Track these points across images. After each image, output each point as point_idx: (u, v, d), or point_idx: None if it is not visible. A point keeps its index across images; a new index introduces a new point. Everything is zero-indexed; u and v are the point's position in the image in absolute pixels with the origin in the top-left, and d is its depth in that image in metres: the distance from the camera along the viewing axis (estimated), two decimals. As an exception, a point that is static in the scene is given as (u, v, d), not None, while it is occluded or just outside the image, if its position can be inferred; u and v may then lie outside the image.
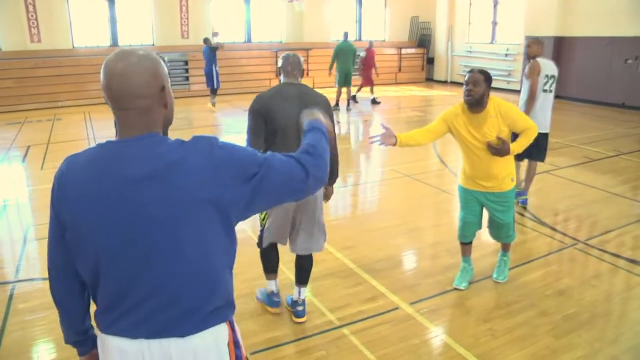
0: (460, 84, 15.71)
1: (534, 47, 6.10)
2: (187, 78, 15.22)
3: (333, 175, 3.47)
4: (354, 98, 13.62)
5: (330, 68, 12.60)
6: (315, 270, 4.10)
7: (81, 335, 1.69)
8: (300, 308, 3.60)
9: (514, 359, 3.18)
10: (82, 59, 13.85)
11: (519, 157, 5.13)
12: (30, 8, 13.13)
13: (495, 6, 16.57)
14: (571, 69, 14.07)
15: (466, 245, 4.13)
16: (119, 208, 1.39)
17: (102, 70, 1.46)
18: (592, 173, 7.38)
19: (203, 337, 1.50)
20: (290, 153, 1.57)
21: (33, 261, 4.66)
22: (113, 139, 1.50)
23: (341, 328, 3.51)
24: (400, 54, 18.53)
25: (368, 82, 13.66)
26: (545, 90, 5.94)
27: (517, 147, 3.58)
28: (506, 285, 4.08)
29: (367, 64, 13.39)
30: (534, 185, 6.46)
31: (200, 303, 1.49)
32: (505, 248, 4.18)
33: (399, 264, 4.54)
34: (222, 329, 1.56)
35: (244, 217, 1.53)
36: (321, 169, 1.58)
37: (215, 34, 13.42)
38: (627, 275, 4.32)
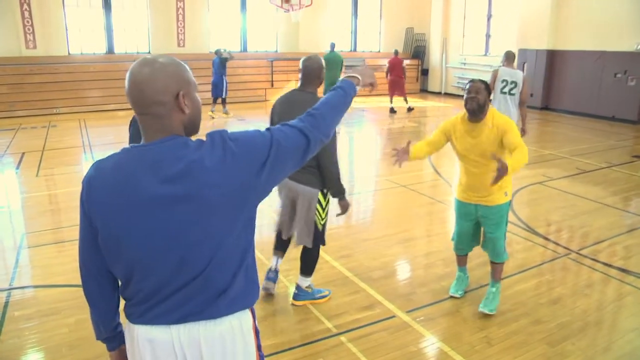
0: (455, 96, 15.87)
1: (502, 58, 7.71)
2: (182, 86, 15.22)
3: (334, 190, 3.62)
4: (409, 109, 14.23)
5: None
6: (312, 278, 4.14)
7: (111, 331, 1.76)
8: (295, 292, 3.96)
9: (509, 366, 3.22)
10: (77, 65, 13.86)
11: None
12: (26, 14, 13.11)
13: (489, 19, 16.78)
14: (563, 82, 14.27)
15: (461, 256, 4.16)
16: (149, 211, 1.47)
17: (126, 75, 1.55)
18: (584, 184, 7.47)
19: (230, 322, 1.60)
20: (294, 121, 1.69)
21: (27, 269, 4.65)
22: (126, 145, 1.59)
23: (339, 335, 3.54)
24: (395, 65, 18.65)
25: (402, 91, 14.06)
26: (504, 93, 7.48)
27: (515, 163, 3.32)
28: (501, 294, 4.11)
29: (399, 73, 13.80)
30: (527, 195, 6.54)
31: (230, 285, 1.59)
32: (494, 276, 3.95)
33: (395, 273, 4.58)
34: (246, 315, 1.66)
35: (263, 196, 1.63)
36: (321, 129, 1.71)
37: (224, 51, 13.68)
38: (618, 284, 4.38)
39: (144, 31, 15.06)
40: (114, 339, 1.78)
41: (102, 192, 1.51)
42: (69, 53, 14.06)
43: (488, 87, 3.62)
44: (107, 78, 13.97)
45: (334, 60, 12.61)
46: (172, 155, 1.49)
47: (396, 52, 14.17)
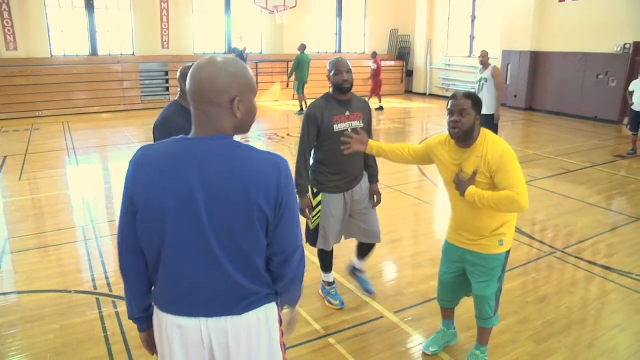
0: (439, 97, 15.93)
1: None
2: (167, 88, 15.15)
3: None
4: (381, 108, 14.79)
5: (290, 77, 14.16)
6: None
7: (142, 312, 1.81)
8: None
9: (496, 365, 3.24)
10: (60, 67, 13.68)
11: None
12: (5, 14, 12.88)
13: (472, 20, 16.90)
14: (546, 83, 14.44)
15: (445, 309, 3.38)
16: (187, 199, 1.55)
17: (189, 72, 1.61)
18: (568, 184, 7.56)
19: (257, 314, 1.68)
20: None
21: (10, 274, 4.56)
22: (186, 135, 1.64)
23: (327, 337, 3.54)
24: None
25: (378, 90, 14.75)
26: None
27: (486, 196, 2.71)
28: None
29: (378, 73, 14.56)
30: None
31: (255, 287, 1.66)
32: (479, 339, 3.22)
33: (382, 274, 4.59)
34: (272, 307, 1.74)
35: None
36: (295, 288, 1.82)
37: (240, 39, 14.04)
38: (602, 281, 4.44)
39: (127, 32, 14.92)
40: (145, 320, 1.83)
41: (147, 173, 1.59)
42: (51, 54, 13.87)
43: (478, 103, 2.83)
44: (91, 80, 13.83)
45: (306, 61, 13.75)
46: (218, 153, 1.57)
47: (375, 54, 14.76)
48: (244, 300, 1.66)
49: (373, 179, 3.81)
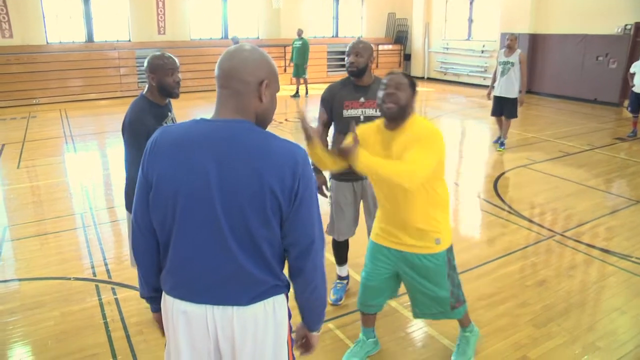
0: (438, 80, 15.81)
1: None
2: (164, 75, 15.04)
3: None
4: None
5: (307, 63, 14.02)
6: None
7: (154, 292, 1.81)
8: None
9: (496, 349, 3.26)
10: (56, 55, 13.59)
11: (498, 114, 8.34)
12: (0, 2, 12.79)
13: (471, 3, 16.76)
14: (546, 66, 14.35)
15: (367, 316, 3.13)
16: (201, 181, 1.53)
17: (218, 62, 1.63)
18: (568, 167, 7.54)
19: (264, 305, 1.65)
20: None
21: (10, 262, 4.57)
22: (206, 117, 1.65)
23: (326, 322, 3.55)
24: (378, 50, 18.60)
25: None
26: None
27: (371, 162, 2.30)
28: (487, 278, 4.16)
29: None
30: (511, 179, 6.60)
31: (265, 277, 1.63)
32: (461, 324, 3.12)
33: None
34: (281, 299, 1.71)
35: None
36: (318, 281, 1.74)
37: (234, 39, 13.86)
38: (601, 264, 4.44)
39: (123, 19, 14.79)
40: (156, 300, 1.82)
41: (164, 150, 1.59)
42: (47, 42, 13.77)
43: (413, 84, 2.60)
44: (88, 67, 13.75)
45: (305, 47, 13.62)
46: (236, 137, 1.55)
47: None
48: (252, 290, 1.62)
49: None
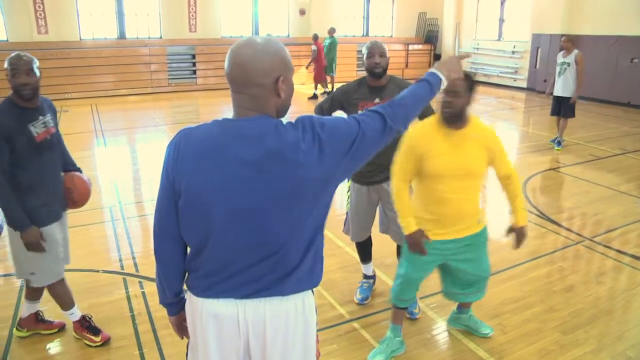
0: (467, 81, 15.39)
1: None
2: (194, 72, 15.23)
3: None
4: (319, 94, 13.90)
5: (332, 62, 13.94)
6: (325, 264, 4.10)
7: (174, 297, 1.81)
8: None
9: (523, 354, 3.21)
10: (89, 51, 13.86)
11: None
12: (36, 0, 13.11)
13: (502, 3, 16.53)
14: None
15: (400, 310, 3.22)
16: (234, 181, 1.51)
17: (227, 55, 1.56)
18: (598, 171, 7.39)
19: (295, 301, 1.66)
20: (380, 106, 1.71)
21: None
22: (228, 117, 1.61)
23: (352, 322, 3.55)
24: (408, 50, 18.51)
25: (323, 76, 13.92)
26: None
27: (524, 211, 3.08)
28: (514, 281, 4.11)
29: (320, 57, 13.70)
30: (540, 182, 6.50)
31: (300, 265, 1.63)
32: (466, 306, 3.38)
33: (407, 259, 4.56)
34: (309, 295, 1.72)
35: (342, 180, 1.66)
36: (398, 119, 1.70)
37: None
38: (631, 271, 4.35)
39: (155, 16, 14.99)
40: (176, 305, 1.83)
41: (191, 156, 1.55)
42: (80, 38, 14.05)
43: (473, 83, 2.80)
44: (119, 63, 13.99)
45: (332, 46, 13.57)
46: (263, 132, 1.52)
47: (316, 37, 13.74)
48: (286, 285, 1.62)
49: None
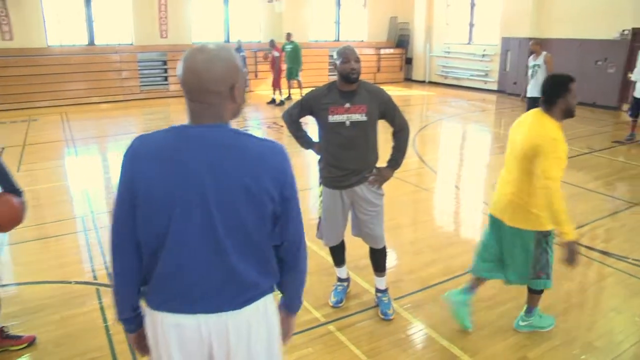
0: (438, 84, 15.79)
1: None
2: (165, 78, 15.11)
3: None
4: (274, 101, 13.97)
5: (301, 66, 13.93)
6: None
7: (133, 311, 1.76)
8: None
9: (496, 350, 3.27)
10: (57, 57, 13.61)
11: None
12: (0, 4, 12.79)
13: (472, 8, 16.80)
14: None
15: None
16: (191, 189, 1.52)
17: (180, 64, 1.56)
18: (567, 170, 7.41)
19: (256, 308, 1.65)
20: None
21: (10, 266, 4.59)
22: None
23: (327, 325, 3.56)
24: (379, 54, 18.66)
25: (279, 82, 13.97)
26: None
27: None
28: (487, 280, 4.16)
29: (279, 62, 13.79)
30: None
31: (258, 278, 1.64)
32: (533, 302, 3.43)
33: (382, 261, 4.60)
34: (270, 300, 1.72)
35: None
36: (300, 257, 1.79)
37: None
38: (599, 266, 4.46)
39: (125, 22, 14.81)
40: (133, 320, 1.78)
41: (149, 165, 1.54)
42: (47, 45, 13.79)
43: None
44: (89, 70, 13.77)
45: (296, 50, 13.56)
46: (223, 141, 1.55)
47: (274, 42, 13.90)
48: (246, 294, 1.63)
49: (390, 163, 3.51)
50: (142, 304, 1.73)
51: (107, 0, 14.51)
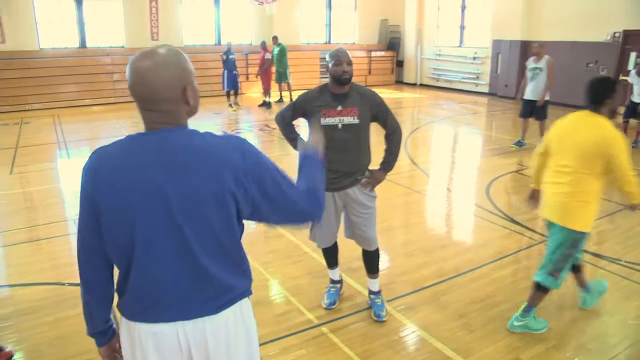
0: (429, 87, 15.85)
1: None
2: (157, 81, 15.04)
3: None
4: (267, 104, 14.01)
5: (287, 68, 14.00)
6: (292, 270, 4.18)
7: (104, 324, 1.74)
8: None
9: (489, 352, 3.29)
10: (49, 60, 13.57)
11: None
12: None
13: (462, 11, 16.88)
14: (536, 72, 14.44)
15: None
16: (153, 196, 1.49)
17: (128, 71, 1.52)
18: (558, 172, 7.57)
19: (233, 311, 1.64)
20: (299, 186, 1.71)
21: (2, 268, 4.58)
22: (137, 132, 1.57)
23: (320, 326, 3.57)
24: (370, 56, 18.71)
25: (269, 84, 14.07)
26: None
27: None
28: (480, 281, 4.20)
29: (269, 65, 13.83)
30: (503, 184, 6.63)
31: (232, 281, 1.63)
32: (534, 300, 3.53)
33: (375, 263, 4.61)
34: (246, 303, 1.71)
35: (249, 218, 1.64)
36: (318, 207, 1.73)
37: None
38: (592, 268, 4.48)
39: (116, 25, 14.77)
40: (105, 333, 1.76)
41: (108, 177, 1.52)
42: (39, 47, 13.73)
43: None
44: (81, 73, 13.74)
45: (283, 53, 13.61)
46: (180, 143, 1.52)
47: (265, 44, 13.84)
48: (221, 298, 1.61)
49: (382, 165, 3.54)
50: (116, 314, 1.70)
51: (98, 3, 14.46)
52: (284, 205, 1.64)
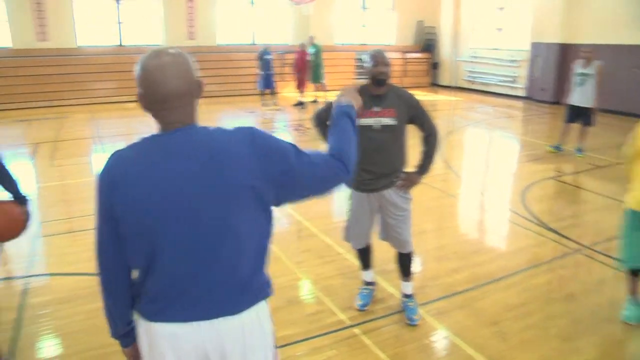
0: (465, 89, 15.67)
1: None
2: (192, 79, 15.27)
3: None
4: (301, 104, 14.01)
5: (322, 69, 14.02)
6: (324, 270, 4.17)
7: (127, 326, 1.75)
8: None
9: (523, 361, 3.22)
10: (86, 58, 13.96)
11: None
12: (39, 7, 13.18)
13: (500, 12, 16.60)
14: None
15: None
16: (172, 198, 1.50)
17: (141, 73, 1.54)
18: (598, 180, 7.42)
19: (249, 313, 1.63)
20: (319, 153, 1.69)
21: (43, 257, 4.73)
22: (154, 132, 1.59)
23: (352, 327, 3.56)
24: (406, 58, 18.58)
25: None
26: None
27: None
28: (514, 289, 4.13)
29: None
30: (539, 191, 6.50)
31: (251, 280, 1.63)
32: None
33: (407, 266, 4.58)
34: (263, 305, 1.70)
35: (277, 204, 1.65)
36: (343, 170, 1.70)
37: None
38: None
39: (154, 23, 15.04)
40: (130, 333, 1.77)
41: (126, 179, 1.52)
42: (77, 45, 14.11)
43: None
44: (117, 70, 14.02)
45: (318, 53, 13.63)
46: (195, 143, 1.53)
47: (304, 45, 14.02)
48: (239, 299, 1.60)
49: (419, 168, 3.52)
50: (135, 315, 1.72)
51: (137, 1, 14.75)
52: (304, 176, 1.63)
